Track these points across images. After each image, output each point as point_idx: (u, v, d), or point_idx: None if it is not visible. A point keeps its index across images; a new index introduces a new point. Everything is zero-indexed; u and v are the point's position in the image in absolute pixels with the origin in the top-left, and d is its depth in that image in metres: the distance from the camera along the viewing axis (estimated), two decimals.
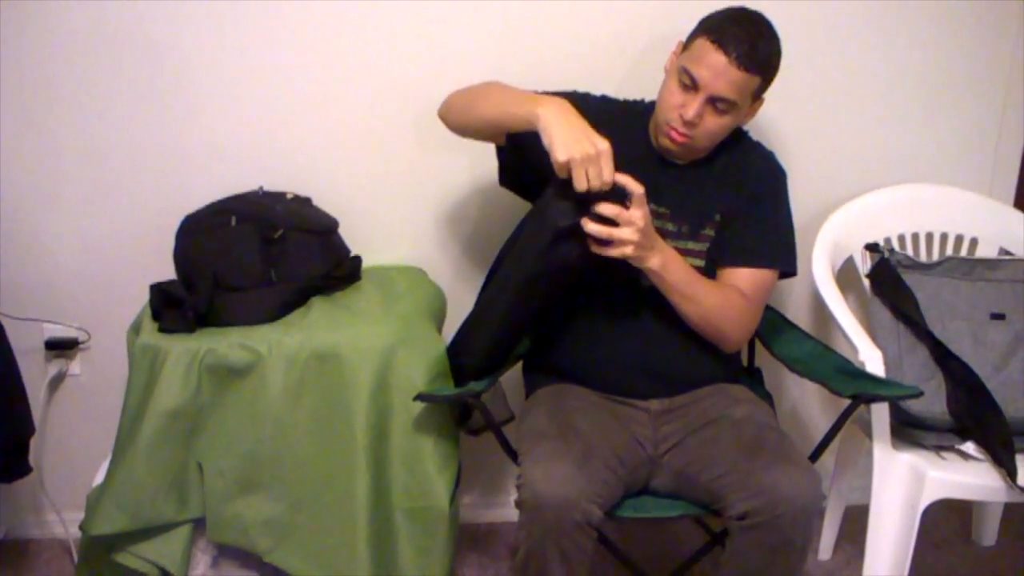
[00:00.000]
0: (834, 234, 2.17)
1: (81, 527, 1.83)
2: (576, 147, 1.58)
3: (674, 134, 1.78)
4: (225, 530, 1.83)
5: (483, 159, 2.17)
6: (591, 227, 1.64)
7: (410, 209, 2.22)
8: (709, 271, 1.85)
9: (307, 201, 2.08)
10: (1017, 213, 2.25)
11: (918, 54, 2.23)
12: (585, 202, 1.63)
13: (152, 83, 2.08)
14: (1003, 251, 2.20)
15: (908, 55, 2.23)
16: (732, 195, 1.87)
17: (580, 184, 1.61)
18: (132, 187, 2.14)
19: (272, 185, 2.10)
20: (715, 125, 1.77)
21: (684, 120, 1.74)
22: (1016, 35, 2.24)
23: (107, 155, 2.12)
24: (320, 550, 1.82)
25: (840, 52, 2.21)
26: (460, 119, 1.87)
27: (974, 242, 2.24)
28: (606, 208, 1.63)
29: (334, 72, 2.12)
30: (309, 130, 2.15)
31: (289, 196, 2.05)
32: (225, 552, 1.91)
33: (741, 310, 1.84)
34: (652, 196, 1.80)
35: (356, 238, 2.12)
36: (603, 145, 1.59)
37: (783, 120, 2.21)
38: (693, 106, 1.73)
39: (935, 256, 2.22)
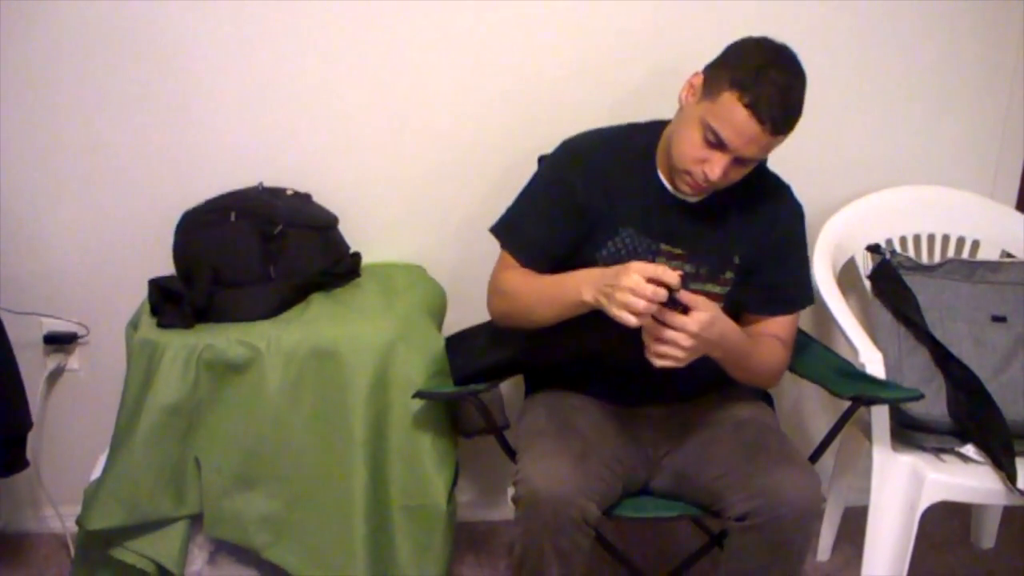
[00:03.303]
0: (835, 235, 2.16)
1: (78, 522, 1.83)
2: (627, 306, 1.53)
3: (693, 185, 1.70)
4: (222, 526, 1.83)
5: (484, 157, 2.18)
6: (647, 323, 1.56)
7: (410, 206, 2.21)
8: (730, 311, 1.77)
9: (307, 197, 2.08)
10: (1019, 215, 2.25)
11: (921, 56, 2.23)
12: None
13: (152, 78, 2.08)
14: (1005, 253, 2.20)
15: (911, 57, 2.23)
16: (755, 241, 1.80)
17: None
18: (132, 182, 2.14)
19: (272, 181, 2.09)
20: (737, 175, 1.69)
21: (708, 178, 1.66)
22: (1019, 37, 2.23)
23: (107, 150, 2.11)
24: (317, 547, 1.82)
25: (843, 53, 2.20)
26: (523, 327, 1.79)
27: (976, 244, 2.23)
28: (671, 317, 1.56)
29: (334, 68, 2.11)
30: (309, 126, 2.14)
31: (289, 192, 2.05)
32: (222, 548, 1.91)
33: (784, 360, 1.82)
34: (664, 237, 1.77)
35: (356, 234, 2.12)
36: (628, 282, 1.52)
37: None
38: (719, 166, 1.63)
39: (936, 258, 2.22)
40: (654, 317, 1.56)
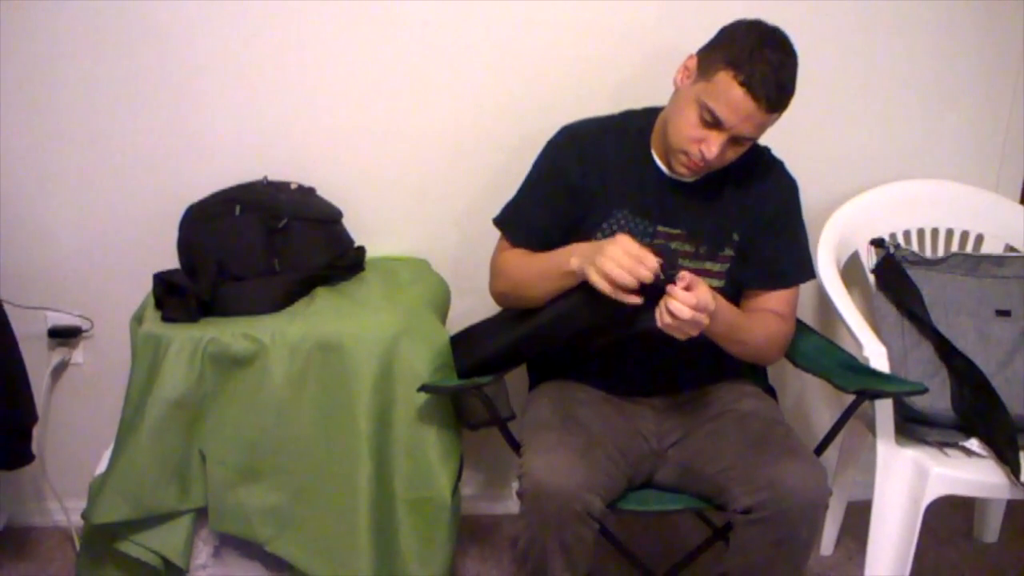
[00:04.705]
0: (839, 229, 2.16)
1: (83, 515, 1.83)
2: (603, 272, 1.56)
3: (691, 165, 1.72)
4: (227, 519, 1.83)
5: (486, 151, 2.17)
6: (676, 305, 1.56)
7: (414, 200, 2.21)
8: (729, 290, 1.81)
9: (311, 191, 2.08)
10: (1023, 209, 2.24)
11: (925, 49, 2.22)
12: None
13: (157, 72, 2.08)
14: (1008, 247, 2.19)
15: (915, 50, 2.22)
16: (751, 217, 1.82)
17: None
18: (136, 176, 2.14)
19: (276, 175, 2.09)
20: (733, 155, 1.72)
21: (705, 157, 1.68)
22: (1023, 31, 2.23)
23: (111, 144, 2.11)
24: (322, 540, 1.82)
25: (847, 47, 2.20)
26: (521, 305, 1.83)
27: (980, 238, 2.23)
28: (677, 297, 1.57)
29: (338, 63, 2.11)
30: (314, 120, 2.14)
31: (293, 186, 2.05)
32: (227, 542, 1.91)
33: (782, 334, 1.84)
34: (662, 218, 1.80)
35: (360, 228, 2.12)
36: (611, 250, 1.56)
37: (789, 115, 2.18)
38: (716, 144, 1.66)
39: (940, 252, 2.22)
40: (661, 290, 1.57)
